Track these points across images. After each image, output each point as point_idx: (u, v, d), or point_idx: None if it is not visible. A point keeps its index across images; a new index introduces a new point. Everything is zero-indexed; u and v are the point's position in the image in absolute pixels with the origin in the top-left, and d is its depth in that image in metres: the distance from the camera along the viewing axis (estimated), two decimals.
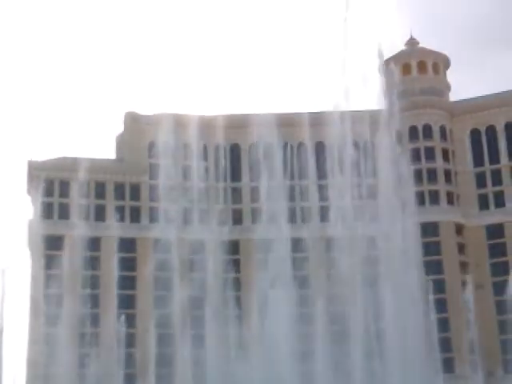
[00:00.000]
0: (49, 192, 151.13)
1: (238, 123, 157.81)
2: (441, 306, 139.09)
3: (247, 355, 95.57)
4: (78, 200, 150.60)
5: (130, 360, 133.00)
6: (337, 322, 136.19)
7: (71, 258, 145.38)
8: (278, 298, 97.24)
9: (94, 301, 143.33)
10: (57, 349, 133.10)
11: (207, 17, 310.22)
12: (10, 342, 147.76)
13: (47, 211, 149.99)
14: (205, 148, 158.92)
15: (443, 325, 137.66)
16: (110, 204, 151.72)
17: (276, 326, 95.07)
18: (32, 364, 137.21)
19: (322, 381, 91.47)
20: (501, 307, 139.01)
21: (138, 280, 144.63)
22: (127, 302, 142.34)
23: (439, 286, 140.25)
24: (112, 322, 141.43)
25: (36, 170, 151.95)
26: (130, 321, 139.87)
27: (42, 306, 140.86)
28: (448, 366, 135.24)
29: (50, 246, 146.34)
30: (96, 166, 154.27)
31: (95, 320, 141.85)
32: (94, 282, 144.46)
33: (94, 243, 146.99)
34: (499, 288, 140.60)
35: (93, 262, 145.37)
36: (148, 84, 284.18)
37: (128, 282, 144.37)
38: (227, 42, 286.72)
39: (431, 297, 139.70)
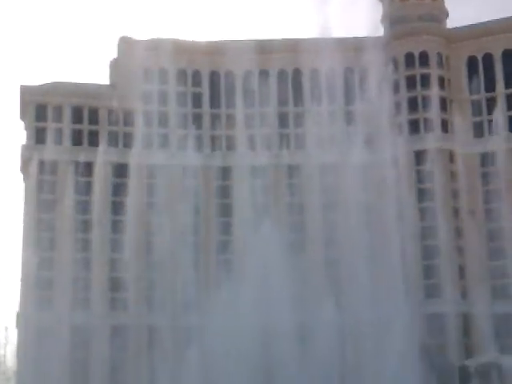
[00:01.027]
0: (42, 117, 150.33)
1: (221, 49, 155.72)
2: (433, 233, 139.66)
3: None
4: (70, 125, 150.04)
5: None
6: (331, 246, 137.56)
7: (64, 183, 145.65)
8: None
9: (87, 226, 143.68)
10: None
11: None
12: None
13: (40, 136, 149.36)
14: (197, 74, 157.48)
15: (433, 251, 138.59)
16: (103, 130, 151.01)
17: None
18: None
19: None
20: (492, 234, 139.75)
21: (130, 205, 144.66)
22: (116, 227, 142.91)
23: (431, 214, 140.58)
24: (106, 248, 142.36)
25: (29, 95, 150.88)
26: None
27: (35, 232, 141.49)
28: (437, 291, 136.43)
29: (44, 172, 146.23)
30: (89, 91, 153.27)
31: (88, 244, 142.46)
32: (86, 208, 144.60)
33: (87, 168, 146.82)
34: (491, 215, 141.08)
35: (86, 188, 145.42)
36: (142, 8, 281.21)
37: (119, 208, 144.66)
38: None
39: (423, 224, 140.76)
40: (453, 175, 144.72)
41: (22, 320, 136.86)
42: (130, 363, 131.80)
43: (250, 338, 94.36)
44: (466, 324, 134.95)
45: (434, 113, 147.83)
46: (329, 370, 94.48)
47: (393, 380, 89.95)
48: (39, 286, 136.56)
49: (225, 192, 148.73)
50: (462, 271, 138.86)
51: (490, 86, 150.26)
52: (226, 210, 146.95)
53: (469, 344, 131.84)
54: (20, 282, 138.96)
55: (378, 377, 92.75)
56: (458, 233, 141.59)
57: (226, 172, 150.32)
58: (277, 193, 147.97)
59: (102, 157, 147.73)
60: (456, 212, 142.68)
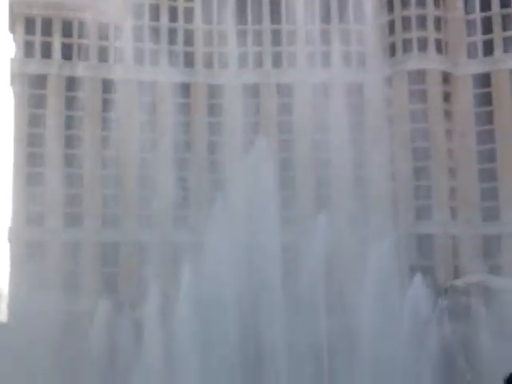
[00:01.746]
0: (31, 30, 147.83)
1: None
2: (424, 154, 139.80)
3: None
4: (60, 39, 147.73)
5: None
6: (321, 167, 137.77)
7: (54, 97, 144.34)
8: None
9: (77, 142, 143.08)
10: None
11: None
12: None
13: (30, 50, 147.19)
14: None
15: (425, 172, 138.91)
16: (94, 44, 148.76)
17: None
18: None
19: None
20: (483, 156, 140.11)
21: (122, 121, 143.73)
22: (107, 143, 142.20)
23: (423, 135, 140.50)
24: (98, 164, 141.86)
25: (18, 8, 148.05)
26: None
27: (26, 147, 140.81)
28: (427, 212, 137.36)
29: (33, 85, 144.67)
30: (79, 4, 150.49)
31: (78, 161, 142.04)
32: (76, 123, 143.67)
33: (76, 84, 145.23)
34: (482, 137, 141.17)
35: (76, 103, 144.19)
36: None
37: (113, 123, 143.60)
38: None
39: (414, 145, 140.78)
40: (446, 96, 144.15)
41: (14, 235, 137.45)
42: (122, 279, 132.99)
43: (241, 257, 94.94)
44: (455, 245, 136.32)
45: (428, 32, 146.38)
46: (315, 290, 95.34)
47: (382, 298, 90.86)
48: (30, 201, 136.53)
49: (215, 110, 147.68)
50: (452, 193, 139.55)
51: (486, 4, 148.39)
52: (216, 129, 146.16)
53: (457, 265, 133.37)
54: (11, 197, 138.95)
55: (363, 295, 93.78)
56: (450, 154, 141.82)
57: (216, 90, 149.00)
58: (267, 112, 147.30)
59: (92, 72, 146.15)
60: (448, 133, 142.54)
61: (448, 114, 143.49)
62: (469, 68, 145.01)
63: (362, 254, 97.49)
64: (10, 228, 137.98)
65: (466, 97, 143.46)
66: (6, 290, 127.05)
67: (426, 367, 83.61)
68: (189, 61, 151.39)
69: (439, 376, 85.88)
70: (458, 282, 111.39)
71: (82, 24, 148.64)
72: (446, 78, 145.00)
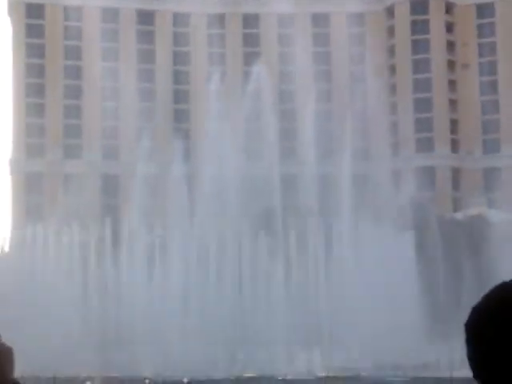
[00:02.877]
0: None
1: None
2: (426, 86, 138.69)
3: None
4: None
5: None
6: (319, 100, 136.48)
7: (52, 27, 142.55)
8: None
9: (77, 73, 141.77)
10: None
11: None
12: None
13: None
14: None
15: (426, 104, 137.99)
16: None
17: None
18: None
19: None
20: (485, 88, 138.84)
21: (120, 52, 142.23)
22: (111, 76, 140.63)
23: (425, 66, 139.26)
24: (96, 96, 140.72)
25: None
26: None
27: (25, 78, 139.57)
28: (428, 145, 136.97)
29: (31, 15, 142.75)
30: None
31: (79, 92, 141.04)
32: (76, 53, 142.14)
33: (77, 13, 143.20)
34: (485, 68, 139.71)
35: (75, 33, 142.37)
36: None
37: (112, 54, 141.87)
38: None
39: (416, 76, 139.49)
40: (448, 26, 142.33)
41: (15, 166, 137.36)
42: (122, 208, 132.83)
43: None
44: (456, 178, 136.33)
45: None
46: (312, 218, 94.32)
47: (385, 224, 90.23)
48: (30, 133, 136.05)
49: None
50: (454, 125, 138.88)
51: None
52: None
53: (458, 197, 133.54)
54: (12, 129, 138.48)
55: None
56: (452, 86, 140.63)
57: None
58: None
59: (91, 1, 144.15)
60: (451, 65, 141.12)
61: (451, 45, 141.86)
62: None
63: (363, 186, 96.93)
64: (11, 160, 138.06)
65: (469, 27, 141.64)
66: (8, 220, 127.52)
67: None
68: None
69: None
70: (459, 215, 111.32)
71: None
72: (449, 7, 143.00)
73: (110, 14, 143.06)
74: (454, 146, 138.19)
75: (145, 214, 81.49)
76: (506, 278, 2.51)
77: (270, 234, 77.69)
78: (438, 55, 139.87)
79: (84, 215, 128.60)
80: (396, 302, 68.57)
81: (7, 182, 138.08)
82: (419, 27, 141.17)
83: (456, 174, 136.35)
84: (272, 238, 77.50)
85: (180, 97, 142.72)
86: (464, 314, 2.56)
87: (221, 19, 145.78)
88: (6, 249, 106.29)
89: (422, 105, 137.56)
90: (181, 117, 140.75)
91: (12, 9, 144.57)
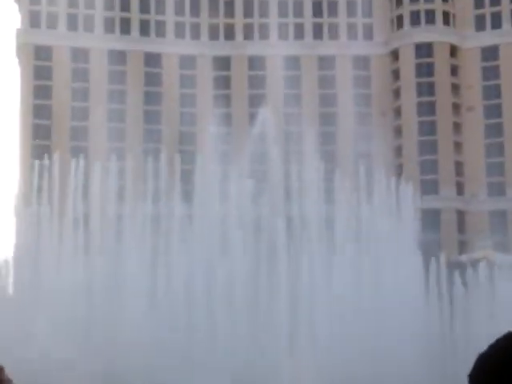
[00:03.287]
0: (36, 0, 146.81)
1: None
2: (431, 128, 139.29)
3: None
4: (66, 9, 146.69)
5: None
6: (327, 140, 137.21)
7: (60, 69, 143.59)
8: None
9: (84, 113, 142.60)
10: None
11: None
12: None
13: (35, 20, 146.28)
14: None
15: (431, 146, 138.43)
16: (99, 15, 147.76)
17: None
18: None
19: None
20: (489, 130, 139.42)
21: (127, 94, 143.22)
22: (117, 116, 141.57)
23: (430, 109, 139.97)
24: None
25: None
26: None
27: (32, 119, 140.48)
28: (433, 187, 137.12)
29: (39, 56, 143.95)
30: None
31: (85, 132, 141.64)
32: (83, 94, 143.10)
33: (83, 55, 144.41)
34: (490, 111, 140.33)
35: (83, 74, 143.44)
36: None
37: (119, 96, 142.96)
38: None
39: (421, 118, 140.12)
40: (453, 69, 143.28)
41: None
42: None
43: None
44: (461, 220, 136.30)
45: (435, 4, 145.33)
46: None
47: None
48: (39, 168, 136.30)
49: (225, 82, 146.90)
50: (459, 167, 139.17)
51: None
52: (225, 101, 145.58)
53: (463, 240, 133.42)
54: (18, 170, 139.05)
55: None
56: (457, 128, 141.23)
57: (225, 61, 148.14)
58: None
59: (99, 43, 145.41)
60: (455, 107, 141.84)
61: (455, 88, 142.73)
62: (477, 41, 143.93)
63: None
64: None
65: (473, 70, 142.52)
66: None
67: None
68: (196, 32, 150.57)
69: None
70: (464, 258, 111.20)
71: None
72: (454, 50, 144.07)
73: (117, 56, 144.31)
74: (459, 188, 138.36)
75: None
76: None
77: (274, 273, 77.41)
78: (442, 98, 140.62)
79: None
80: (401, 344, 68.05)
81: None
82: (424, 70, 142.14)
83: (461, 216, 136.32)
84: (276, 276, 77.16)
85: (185, 138, 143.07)
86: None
87: (226, 61, 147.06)
88: None
89: (427, 147, 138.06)
90: (186, 158, 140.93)
91: (20, 50, 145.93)
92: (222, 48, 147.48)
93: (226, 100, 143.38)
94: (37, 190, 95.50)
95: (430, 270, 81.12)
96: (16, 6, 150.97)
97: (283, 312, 72.59)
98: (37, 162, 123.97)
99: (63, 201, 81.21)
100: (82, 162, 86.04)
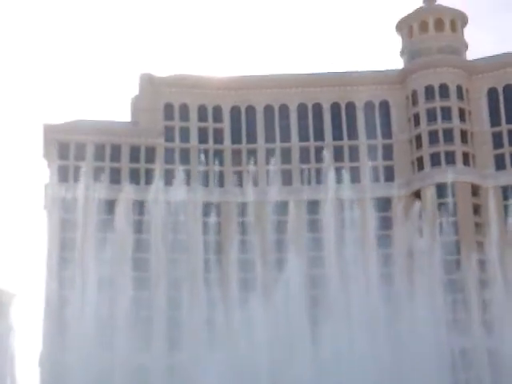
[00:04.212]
0: (64, 155, 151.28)
1: (251, 84, 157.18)
2: (455, 266, 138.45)
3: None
4: (93, 163, 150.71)
5: None
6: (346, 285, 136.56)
7: (87, 220, 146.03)
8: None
9: (111, 264, 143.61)
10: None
11: None
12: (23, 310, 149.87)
13: (63, 174, 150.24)
14: (219, 109, 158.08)
15: (456, 284, 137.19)
16: (125, 167, 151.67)
17: None
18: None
19: None
20: None
21: (153, 243, 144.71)
22: (141, 264, 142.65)
23: (454, 248, 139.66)
24: (127, 285, 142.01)
25: (52, 134, 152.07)
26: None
27: (58, 271, 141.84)
28: (462, 325, 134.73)
29: (67, 210, 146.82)
30: (111, 128, 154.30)
31: (109, 283, 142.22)
32: (109, 245, 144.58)
33: (110, 206, 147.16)
34: None
35: (108, 225, 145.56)
36: (163, 45, 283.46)
37: (145, 245, 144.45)
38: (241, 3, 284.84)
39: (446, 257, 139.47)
40: (475, 208, 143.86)
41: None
42: None
43: None
44: (492, 360, 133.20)
45: (455, 145, 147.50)
46: None
47: None
48: (64, 323, 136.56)
49: (245, 229, 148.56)
50: (484, 306, 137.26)
51: (511, 117, 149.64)
52: (245, 247, 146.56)
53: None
54: (43, 320, 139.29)
55: None
56: (481, 266, 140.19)
57: (247, 208, 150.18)
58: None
59: (124, 194, 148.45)
60: (479, 245, 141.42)
61: (478, 226, 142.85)
62: (498, 180, 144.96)
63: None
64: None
65: (496, 209, 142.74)
66: None
67: None
68: (220, 179, 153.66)
69: None
70: None
71: (114, 147, 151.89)
72: (475, 190, 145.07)
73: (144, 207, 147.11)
74: (489, 327, 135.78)
75: None
76: None
77: None
78: (466, 236, 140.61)
79: None
80: None
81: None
82: (446, 210, 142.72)
83: (491, 356, 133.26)
84: None
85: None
86: None
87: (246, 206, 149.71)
88: None
89: (452, 285, 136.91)
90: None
91: (48, 204, 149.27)
92: (245, 195, 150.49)
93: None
94: None
95: None
96: (45, 162, 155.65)
97: None
98: None
99: None
100: None
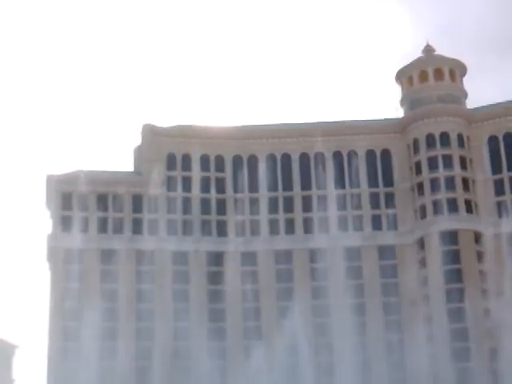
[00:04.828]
0: (67, 206, 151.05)
1: (254, 134, 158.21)
2: (460, 315, 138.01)
3: None
4: (96, 213, 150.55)
5: None
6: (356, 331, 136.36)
7: (89, 271, 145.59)
8: None
9: (113, 314, 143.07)
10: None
11: (221, 31, 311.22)
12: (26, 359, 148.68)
13: (66, 225, 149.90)
14: (221, 159, 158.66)
15: (462, 333, 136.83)
16: (128, 216, 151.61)
17: None
18: None
19: None
20: None
21: (156, 293, 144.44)
22: (145, 315, 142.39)
23: (459, 295, 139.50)
24: (132, 336, 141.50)
25: (54, 184, 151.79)
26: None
27: (61, 321, 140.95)
28: (469, 375, 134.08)
29: (70, 260, 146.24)
30: (113, 178, 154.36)
31: (115, 333, 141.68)
32: (112, 296, 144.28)
33: (111, 256, 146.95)
34: None
35: (110, 275, 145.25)
36: (165, 96, 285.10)
37: (148, 295, 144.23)
38: (241, 54, 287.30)
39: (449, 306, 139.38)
40: (479, 256, 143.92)
41: None
42: None
43: None
44: None
45: (457, 193, 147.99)
46: None
47: None
48: (67, 376, 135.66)
49: (251, 277, 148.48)
50: (492, 354, 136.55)
51: None
52: (253, 296, 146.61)
53: None
54: (46, 373, 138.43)
55: None
56: (486, 314, 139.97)
57: (248, 257, 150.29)
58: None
59: (127, 244, 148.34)
60: (484, 293, 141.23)
61: (482, 274, 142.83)
62: (500, 227, 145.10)
63: None
64: None
65: (499, 256, 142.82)
66: None
67: None
68: (222, 229, 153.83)
69: None
70: None
71: (117, 198, 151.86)
72: (478, 237, 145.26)
73: (147, 257, 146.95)
74: (495, 375, 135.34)
75: None
76: None
77: None
78: (471, 284, 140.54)
79: None
80: None
81: None
82: (450, 257, 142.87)
83: None
84: None
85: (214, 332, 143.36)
86: None
87: (253, 256, 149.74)
88: None
89: (459, 334, 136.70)
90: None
91: (51, 254, 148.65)
92: (248, 245, 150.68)
93: (255, 294, 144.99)
94: None
95: None
96: (47, 212, 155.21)
97: None
98: None
99: None
100: None
